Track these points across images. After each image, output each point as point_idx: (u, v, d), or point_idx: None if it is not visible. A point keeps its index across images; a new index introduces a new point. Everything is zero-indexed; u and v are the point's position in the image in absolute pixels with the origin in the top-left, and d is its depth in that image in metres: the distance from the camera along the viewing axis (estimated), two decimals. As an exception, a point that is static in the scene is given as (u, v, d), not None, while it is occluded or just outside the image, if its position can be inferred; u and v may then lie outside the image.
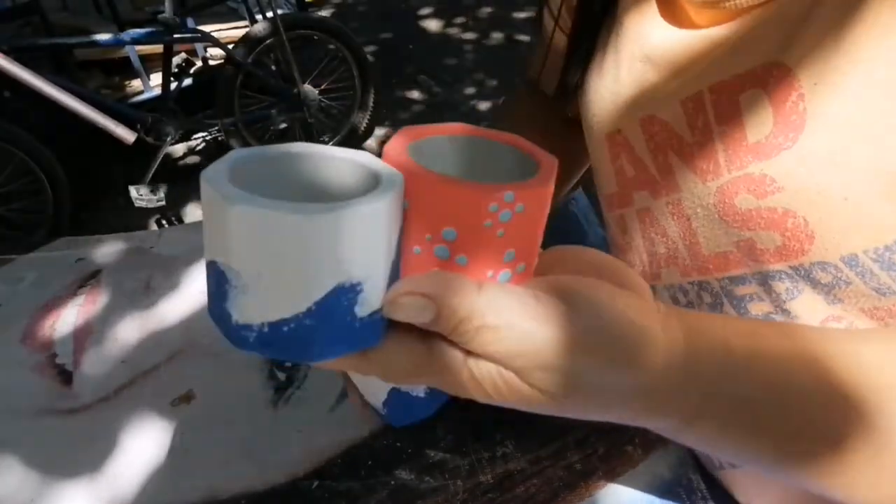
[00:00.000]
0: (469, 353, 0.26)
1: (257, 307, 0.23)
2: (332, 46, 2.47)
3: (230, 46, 2.29)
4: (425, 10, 3.91)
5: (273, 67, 2.55)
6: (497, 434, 0.60)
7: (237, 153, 0.25)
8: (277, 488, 0.56)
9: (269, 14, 2.29)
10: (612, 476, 0.57)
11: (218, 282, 0.24)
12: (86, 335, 0.72)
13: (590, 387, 0.26)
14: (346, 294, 0.23)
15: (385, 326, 0.25)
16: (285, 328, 0.23)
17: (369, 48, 3.37)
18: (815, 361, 0.29)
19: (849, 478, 0.30)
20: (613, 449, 0.59)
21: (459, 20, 3.75)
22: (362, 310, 0.24)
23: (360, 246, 0.23)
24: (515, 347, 0.25)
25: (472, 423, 0.61)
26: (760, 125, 0.37)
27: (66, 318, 0.74)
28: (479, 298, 0.24)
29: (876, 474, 0.29)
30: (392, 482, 0.56)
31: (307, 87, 2.42)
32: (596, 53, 0.51)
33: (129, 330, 0.72)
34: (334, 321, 0.23)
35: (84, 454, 0.60)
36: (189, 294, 0.77)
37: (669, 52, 0.44)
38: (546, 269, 0.28)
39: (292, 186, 0.26)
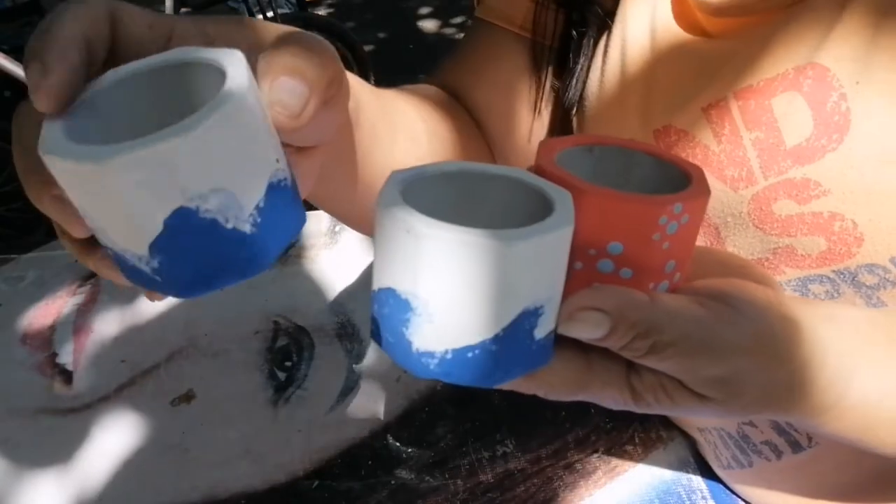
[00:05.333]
0: (630, 364, 0.26)
1: (443, 334, 0.23)
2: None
3: (230, 46, 2.29)
4: (424, 10, 3.91)
5: (273, 67, 2.54)
6: (497, 434, 0.60)
7: (397, 174, 0.24)
8: (277, 488, 0.56)
9: (270, 14, 2.29)
10: (612, 476, 0.57)
11: (397, 310, 0.23)
12: (86, 335, 0.72)
13: (755, 388, 0.26)
14: (529, 318, 0.23)
15: (553, 345, 0.25)
16: (469, 354, 0.23)
17: (368, 48, 3.37)
18: None
19: None
20: (613, 449, 0.59)
21: (458, 20, 3.75)
22: (540, 331, 0.24)
23: (548, 269, 0.23)
24: (689, 361, 0.25)
25: (472, 423, 0.61)
26: (799, 128, 0.36)
27: (66, 318, 0.74)
28: (654, 313, 0.24)
29: None
30: (392, 482, 0.56)
31: (307, 86, 2.42)
32: (595, 62, 0.49)
33: (129, 330, 0.72)
34: (517, 345, 0.23)
35: (83, 453, 0.60)
36: (189, 294, 0.77)
37: (684, 58, 0.42)
38: (685, 277, 0.28)
39: (456, 207, 0.26)
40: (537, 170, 0.25)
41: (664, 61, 0.43)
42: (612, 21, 0.47)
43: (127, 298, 0.76)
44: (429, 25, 3.76)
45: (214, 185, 0.22)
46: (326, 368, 0.67)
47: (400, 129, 0.43)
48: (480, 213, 0.26)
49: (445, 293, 0.22)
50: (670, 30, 0.43)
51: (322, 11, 3.86)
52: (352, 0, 4.14)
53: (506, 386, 0.26)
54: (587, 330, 0.24)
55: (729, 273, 0.28)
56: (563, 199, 0.23)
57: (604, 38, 0.47)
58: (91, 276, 0.80)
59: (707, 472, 0.57)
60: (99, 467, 0.59)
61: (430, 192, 0.25)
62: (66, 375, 0.67)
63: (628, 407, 0.27)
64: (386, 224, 0.23)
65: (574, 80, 0.49)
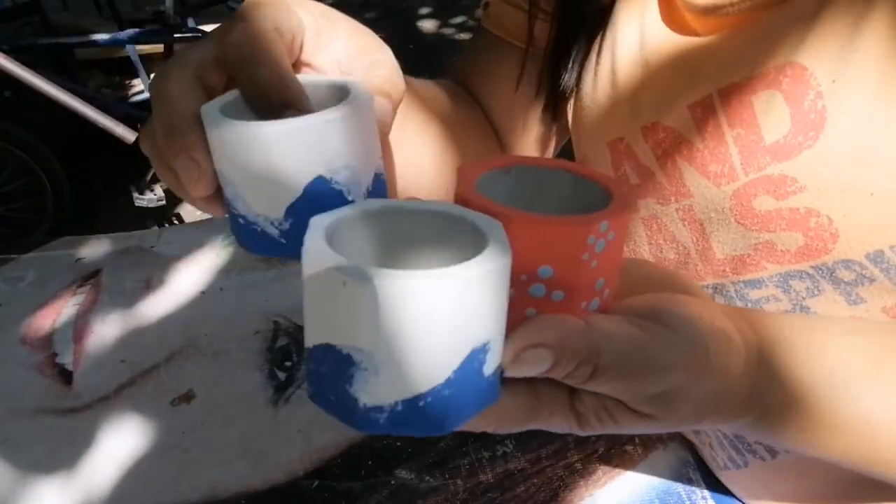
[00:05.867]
0: (572, 390, 0.26)
1: (391, 387, 0.22)
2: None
3: (230, 46, 2.28)
4: (424, 10, 3.91)
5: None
6: (497, 434, 0.60)
7: (317, 220, 0.23)
8: (277, 488, 0.56)
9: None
10: (612, 476, 0.57)
11: (337, 367, 0.22)
12: (86, 335, 0.72)
13: (692, 402, 0.27)
14: (478, 356, 0.22)
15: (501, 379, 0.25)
16: (421, 403, 0.22)
17: (369, 48, 3.37)
18: (867, 349, 0.32)
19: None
20: (613, 449, 0.59)
21: (458, 20, 3.75)
22: (489, 367, 0.23)
23: (492, 304, 0.22)
24: (628, 382, 0.25)
25: (472, 423, 0.61)
26: (777, 125, 0.37)
27: (66, 318, 0.74)
28: (592, 338, 0.24)
29: None
30: (392, 482, 0.56)
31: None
32: (590, 57, 0.50)
33: (129, 330, 0.72)
34: (467, 387, 0.23)
35: (84, 453, 0.60)
36: (189, 294, 0.77)
37: (672, 58, 0.43)
38: (617, 296, 0.29)
39: (384, 248, 0.25)
40: (459, 198, 0.25)
41: (652, 60, 0.44)
42: (605, 23, 0.48)
43: (127, 299, 0.76)
44: (429, 25, 3.76)
45: (347, 162, 0.27)
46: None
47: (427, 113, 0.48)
48: (409, 251, 0.25)
49: (391, 342, 0.21)
50: (659, 29, 0.44)
51: (322, 11, 3.86)
52: (352, 0, 4.15)
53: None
54: (534, 368, 0.24)
55: (657, 285, 0.29)
56: (495, 230, 0.23)
57: (596, 40, 0.48)
58: (91, 276, 0.80)
59: (707, 472, 0.57)
60: (99, 467, 0.59)
61: (354, 235, 0.24)
62: (66, 375, 0.67)
63: (575, 431, 0.28)
64: (316, 276, 0.21)
65: (567, 80, 0.51)
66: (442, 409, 0.22)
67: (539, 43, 0.51)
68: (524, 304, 0.24)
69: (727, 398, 0.28)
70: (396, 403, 0.22)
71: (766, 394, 0.29)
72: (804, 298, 0.40)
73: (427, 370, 0.22)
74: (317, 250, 0.21)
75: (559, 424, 0.27)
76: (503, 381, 0.25)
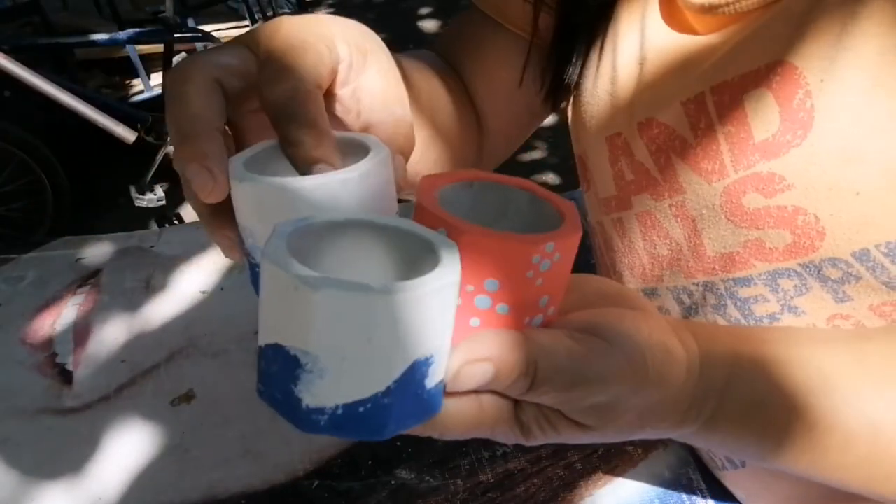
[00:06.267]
0: (515, 401, 0.27)
1: (333, 390, 0.23)
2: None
3: (230, 46, 2.29)
4: (424, 10, 3.91)
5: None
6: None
7: (282, 226, 0.24)
8: (277, 488, 0.56)
9: (270, 14, 2.29)
10: (612, 476, 0.57)
11: (285, 367, 0.23)
12: (86, 335, 0.72)
13: (629, 412, 0.28)
14: (420, 368, 0.23)
15: (443, 393, 0.26)
16: (361, 409, 0.23)
17: (369, 48, 3.37)
18: (809, 364, 0.32)
19: (855, 473, 0.32)
20: (613, 449, 0.59)
21: (459, 20, 3.75)
22: (431, 381, 0.24)
23: (437, 320, 0.23)
24: (566, 393, 0.26)
25: (472, 423, 0.61)
26: (767, 123, 0.37)
27: (66, 318, 0.74)
28: (530, 351, 0.25)
29: (880, 471, 0.32)
30: (392, 482, 0.56)
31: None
32: (592, 52, 0.50)
33: (129, 330, 0.72)
34: (408, 397, 0.24)
35: (84, 453, 0.60)
36: (189, 294, 0.77)
37: (669, 55, 0.43)
38: (563, 310, 0.29)
39: (345, 259, 0.26)
40: (418, 207, 0.26)
41: (651, 57, 0.45)
42: (607, 19, 0.48)
43: (127, 299, 0.76)
44: (429, 25, 3.76)
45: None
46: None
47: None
48: (367, 262, 0.27)
49: (336, 349, 0.22)
50: (659, 27, 0.44)
51: (322, 12, 3.86)
52: (352, 0, 4.14)
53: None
54: (476, 381, 0.25)
55: (606, 300, 0.30)
56: (448, 251, 0.24)
57: (599, 36, 0.49)
58: (91, 276, 0.80)
59: (707, 472, 0.57)
60: (99, 467, 0.59)
61: (317, 245, 0.25)
62: (66, 375, 0.67)
63: (519, 441, 0.29)
64: (272, 279, 0.22)
65: (571, 75, 0.51)
66: (381, 416, 0.23)
67: (542, 34, 0.51)
68: (470, 314, 0.25)
69: (667, 407, 0.29)
70: (337, 407, 0.23)
71: (708, 402, 0.30)
72: (792, 297, 0.40)
73: (369, 378, 0.23)
74: (276, 254, 0.22)
75: (503, 433, 0.28)
76: (448, 393, 0.26)
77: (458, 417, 0.27)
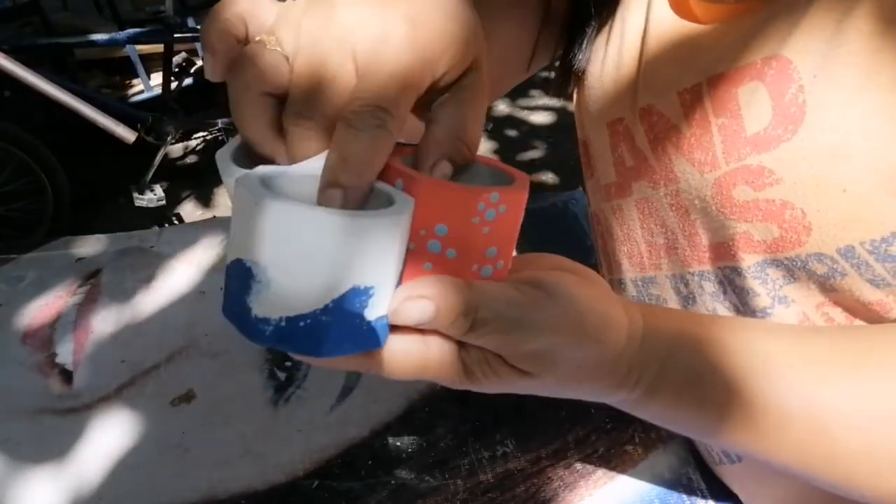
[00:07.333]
0: (461, 343, 0.29)
1: (278, 302, 0.25)
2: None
3: (230, 46, 2.28)
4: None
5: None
6: (497, 434, 0.60)
7: (262, 169, 0.27)
8: (277, 488, 0.56)
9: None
10: (612, 476, 0.57)
11: (241, 278, 0.25)
12: (86, 335, 0.72)
13: (565, 364, 0.29)
14: (359, 296, 0.25)
15: (388, 330, 0.28)
16: (301, 323, 0.25)
17: (369, 48, 3.36)
18: (753, 348, 0.34)
19: (794, 454, 0.34)
20: (613, 449, 0.59)
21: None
22: (371, 313, 0.26)
23: (380, 253, 0.25)
24: (503, 336, 0.28)
25: (472, 423, 0.61)
26: (759, 117, 0.37)
27: (66, 318, 0.74)
28: (471, 295, 0.27)
29: (819, 455, 0.34)
30: (392, 482, 0.56)
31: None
32: (599, 37, 0.51)
33: (130, 330, 0.72)
34: (346, 321, 0.26)
35: (84, 453, 0.60)
36: (189, 294, 0.77)
37: (672, 43, 0.44)
38: (516, 271, 0.31)
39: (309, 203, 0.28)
40: (385, 166, 0.28)
41: (654, 44, 0.45)
42: (616, 4, 0.50)
43: (127, 298, 0.76)
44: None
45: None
46: (326, 368, 0.67)
47: None
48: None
49: (282, 262, 0.24)
50: (665, 14, 0.45)
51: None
52: (352, 0, 4.14)
53: (342, 364, 0.28)
54: (414, 317, 0.26)
55: (562, 270, 0.31)
56: (402, 197, 0.27)
57: (608, 22, 0.50)
58: (91, 276, 0.80)
59: (706, 472, 0.57)
60: (99, 467, 0.59)
61: (292, 189, 0.27)
62: (66, 375, 0.67)
63: (463, 384, 0.30)
64: (238, 199, 0.25)
65: (581, 61, 0.53)
66: (320, 333, 0.25)
67: (554, 8, 0.53)
68: (423, 259, 0.28)
69: (604, 368, 0.31)
70: (281, 319, 0.25)
71: (647, 371, 0.32)
72: (781, 287, 0.40)
73: (309, 294, 0.25)
74: (244, 178, 0.25)
75: (448, 376, 0.29)
76: (398, 331, 0.28)
77: (403, 355, 0.28)
